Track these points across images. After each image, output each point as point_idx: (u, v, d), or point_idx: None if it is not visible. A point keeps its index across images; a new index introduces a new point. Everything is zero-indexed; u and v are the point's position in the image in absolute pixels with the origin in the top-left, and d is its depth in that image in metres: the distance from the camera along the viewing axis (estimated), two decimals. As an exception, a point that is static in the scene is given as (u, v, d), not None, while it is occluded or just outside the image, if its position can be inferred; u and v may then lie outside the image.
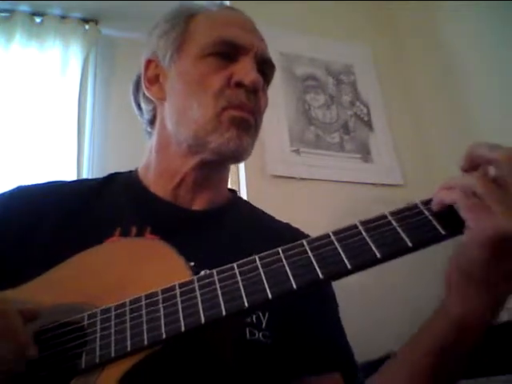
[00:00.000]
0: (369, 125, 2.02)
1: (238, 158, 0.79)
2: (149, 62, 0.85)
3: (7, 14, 2.26)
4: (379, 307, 1.63)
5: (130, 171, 0.89)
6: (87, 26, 2.35)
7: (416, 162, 2.01)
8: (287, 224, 0.90)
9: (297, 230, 0.89)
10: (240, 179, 1.77)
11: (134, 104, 0.91)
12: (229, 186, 0.93)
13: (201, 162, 0.79)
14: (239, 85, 0.77)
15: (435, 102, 2.04)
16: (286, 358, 0.71)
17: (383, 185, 1.90)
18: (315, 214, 1.71)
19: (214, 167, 0.82)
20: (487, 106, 1.77)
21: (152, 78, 0.84)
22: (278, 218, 0.91)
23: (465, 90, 1.87)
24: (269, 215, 0.91)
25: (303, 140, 1.89)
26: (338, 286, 0.68)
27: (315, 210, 1.74)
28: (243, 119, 0.77)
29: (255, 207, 0.95)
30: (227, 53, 0.79)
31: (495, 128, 1.70)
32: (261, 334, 0.70)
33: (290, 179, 1.80)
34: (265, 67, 0.83)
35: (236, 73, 0.77)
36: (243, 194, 1.73)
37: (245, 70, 0.77)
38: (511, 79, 1.65)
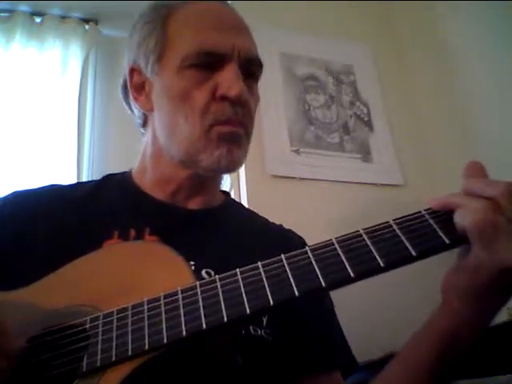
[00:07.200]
0: (369, 125, 2.02)
1: (230, 170, 0.79)
2: (132, 71, 0.83)
3: (7, 14, 2.26)
4: (379, 307, 1.63)
5: (124, 172, 0.89)
6: (87, 26, 2.34)
7: (416, 162, 2.01)
8: (280, 225, 0.91)
9: (290, 231, 0.90)
10: (240, 179, 1.77)
11: (125, 105, 0.90)
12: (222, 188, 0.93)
13: (194, 174, 0.80)
14: (224, 98, 0.74)
15: (435, 101, 2.04)
16: (286, 356, 0.72)
17: (383, 185, 1.90)
18: (315, 213, 1.71)
19: (208, 177, 0.82)
20: (487, 105, 1.77)
21: (138, 85, 0.82)
22: (278, 218, 0.92)
23: (465, 89, 1.87)
24: (261, 216, 0.92)
25: (303, 140, 1.89)
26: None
27: (315, 210, 1.74)
28: (232, 133, 0.75)
29: (248, 208, 0.95)
30: (209, 63, 0.75)
31: (495, 128, 1.70)
32: (263, 331, 0.70)
33: (290, 179, 1.80)
34: (251, 66, 0.79)
35: (220, 85, 0.74)
36: (243, 194, 1.73)
37: (228, 82, 0.73)
38: (511, 79, 1.65)
